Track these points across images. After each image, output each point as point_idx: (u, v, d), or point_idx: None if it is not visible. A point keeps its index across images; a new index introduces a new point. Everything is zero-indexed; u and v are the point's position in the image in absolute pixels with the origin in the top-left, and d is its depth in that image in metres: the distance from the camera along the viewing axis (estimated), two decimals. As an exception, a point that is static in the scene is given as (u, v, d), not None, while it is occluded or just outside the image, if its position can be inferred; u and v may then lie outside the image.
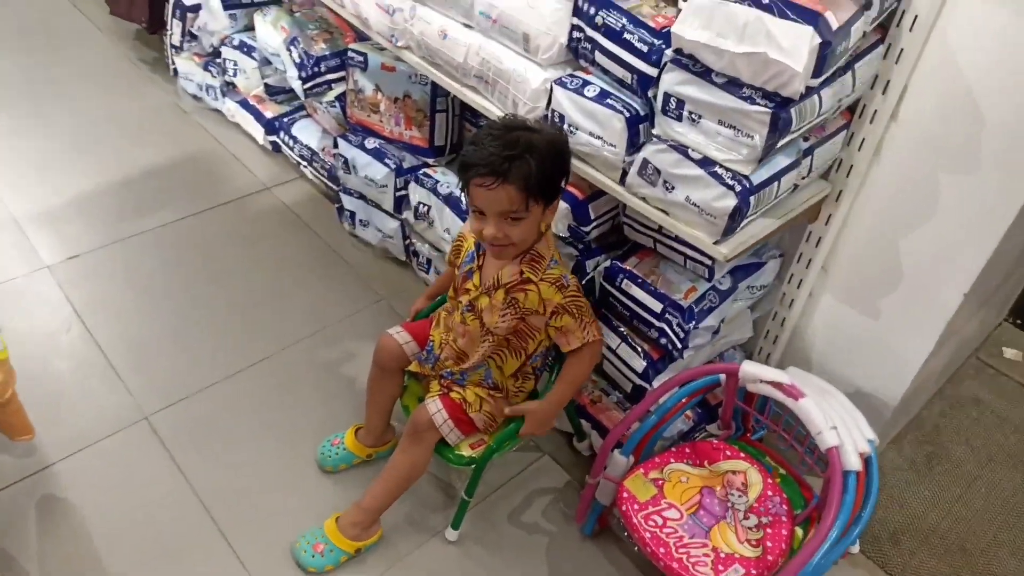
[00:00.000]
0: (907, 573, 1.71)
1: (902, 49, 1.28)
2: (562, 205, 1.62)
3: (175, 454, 1.80)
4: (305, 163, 2.59)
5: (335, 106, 2.36)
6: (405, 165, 2.16)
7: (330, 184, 2.50)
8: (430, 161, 2.18)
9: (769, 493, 1.54)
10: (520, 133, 1.35)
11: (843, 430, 1.37)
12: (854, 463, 1.35)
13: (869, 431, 1.44)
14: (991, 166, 1.31)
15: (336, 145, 2.29)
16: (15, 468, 1.73)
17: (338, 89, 2.36)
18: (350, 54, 2.16)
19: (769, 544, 1.46)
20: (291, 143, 2.61)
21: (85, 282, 2.21)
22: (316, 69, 2.31)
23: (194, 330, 2.11)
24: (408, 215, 2.19)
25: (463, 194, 1.39)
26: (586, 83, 1.43)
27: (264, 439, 1.86)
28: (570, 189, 1.63)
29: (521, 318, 1.51)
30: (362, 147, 2.21)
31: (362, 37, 2.29)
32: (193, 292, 2.22)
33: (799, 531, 1.50)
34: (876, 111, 1.37)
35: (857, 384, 1.70)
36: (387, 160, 2.16)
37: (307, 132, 2.57)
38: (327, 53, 2.32)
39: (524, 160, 1.31)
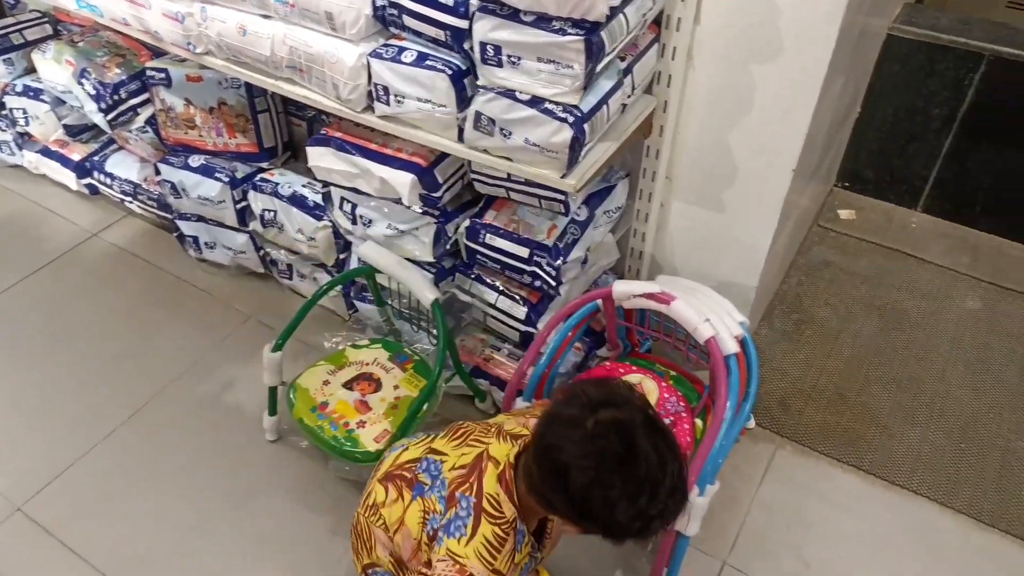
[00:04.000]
0: (799, 431, 1.86)
1: (689, -46, 1.35)
2: (408, 176, 1.60)
3: (63, 537, 1.67)
4: (129, 198, 2.42)
5: (147, 131, 2.22)
6: (239, 175, 2.07)
7: (163, 214, 2.36)
8: (264, 165, 2.10)
9: (666, 395, 1.63)
10: None
11: (716, 320, 1.47)
12: (731, 347, 1.45)
13: (739, 314, 1.55)
14: (791, 48, 1.40)
15: (158, 172, 2.16)
16: None
17: (146, 113, 2.21)
18: (149, 73, 2.03)
19: (677, 442, 1.55)
20: (109, 181, 2.43)
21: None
22: (116, 97, 2.15)
23: (52, 402, 1.95)
24: (255, 225, 2.11)
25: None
26: (402, 50, 1.41)
27: (159, 492, 1.77)
28: (413, 158, 1.62)
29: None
30: (187, 167, 2.10)
31: (158, 53, 2.15)
32: (40, 363, 2.05)
33: (699, 422, 1.60)
34: (680, 18, 1.43)
35: (721, 276, 1.81)
36: (218, 174, 2.06)
37: (123, 166, 2.41)
38: (124, 78, 2.16)
39: None
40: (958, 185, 2.34)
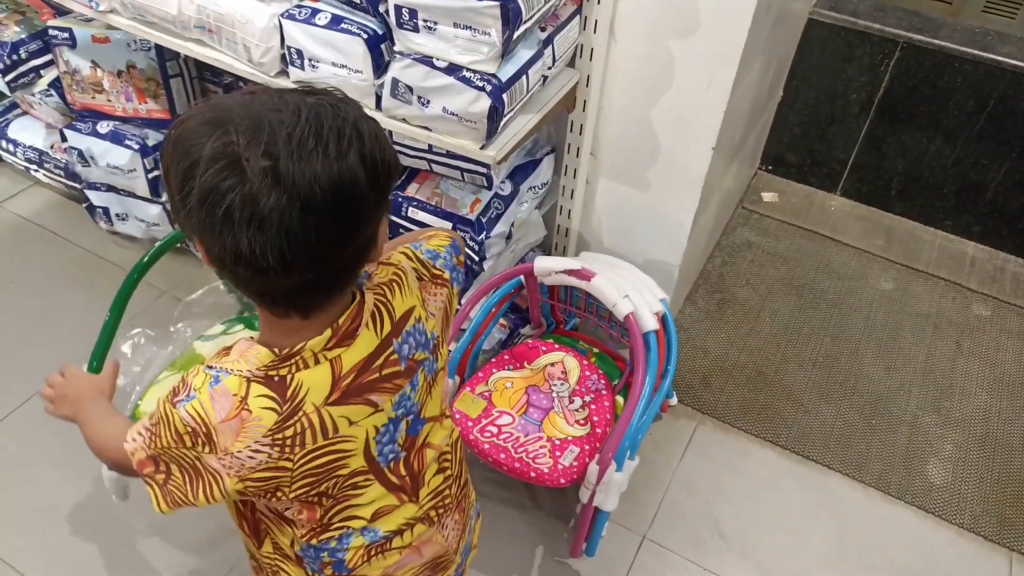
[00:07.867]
0: (719, 408, 1.89)
1: (608, -74, 1.33)
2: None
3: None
4: (35, 167, 2.29)
5: (51, 95, 2.10)
6: (150, 143, 1.98)
7: (71, 183, 2.24)
8: (177, 133, 2.00)
9: (587, 374, 1.63)
10: None
11: (636, 297, 1.47)
12: (651, 324, 1.46)
13: (660, 291, 1.56)
14: (708, 24, 1.41)
15: (64, 138, 2.04)
16: None
17: (49, 75, 2.09)
18: (52, 32, 1.91)
19: (595, 418, 1.55)
20: (12, 148, 2.29)
21: None
22: (15, 57, 2.03)
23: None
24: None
25: None
26: (316, 11, 1.36)
27: (62, 474, 1.69)
28: (330, 128, 1.57)
29: None
30: (95, 133, 1.99)
31: (62, 11, 2.03)
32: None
33: (619, 399, 1.61)
34: (600, -9, 1.42)
35: (645, 254, 1.82)
36: (128, 141, 1.96)
37: (28, 131, 2.28)
38: (24, 37, 2.04)
39: None
40: (874, 169, 2.40)
